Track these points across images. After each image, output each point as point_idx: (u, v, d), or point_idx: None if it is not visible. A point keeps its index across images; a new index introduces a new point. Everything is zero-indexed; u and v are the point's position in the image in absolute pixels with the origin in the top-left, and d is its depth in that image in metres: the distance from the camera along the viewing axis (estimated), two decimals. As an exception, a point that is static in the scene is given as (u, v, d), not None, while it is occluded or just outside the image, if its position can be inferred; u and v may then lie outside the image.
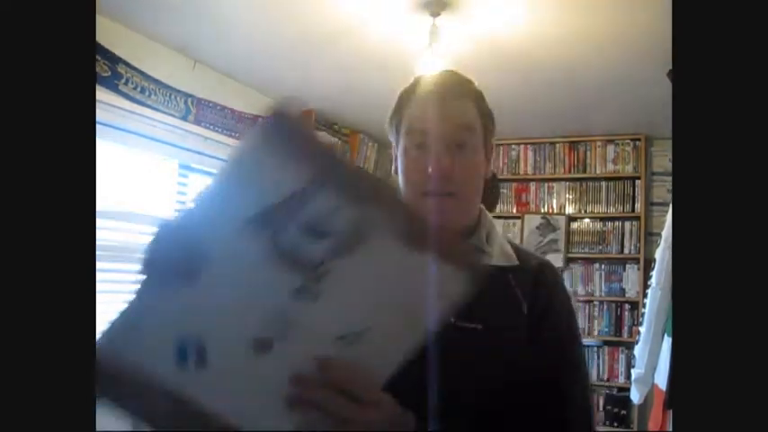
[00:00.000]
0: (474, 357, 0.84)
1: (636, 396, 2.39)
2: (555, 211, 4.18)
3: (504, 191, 4.32)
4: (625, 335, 3.86)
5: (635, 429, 3.76)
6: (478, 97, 0.96)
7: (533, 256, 1.01)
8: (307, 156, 0.58)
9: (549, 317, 0.91)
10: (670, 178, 3.96)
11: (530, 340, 0.88)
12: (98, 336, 0.64)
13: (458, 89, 0.95)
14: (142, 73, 2.72)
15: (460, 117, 0.92)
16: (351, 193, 0.58)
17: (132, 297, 0.63)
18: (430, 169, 0.88)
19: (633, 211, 3.96)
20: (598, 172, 4.09)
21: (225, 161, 0.61)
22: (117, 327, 0.63)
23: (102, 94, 2.52)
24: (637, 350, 2.33)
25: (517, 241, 4.17)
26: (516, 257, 0.95)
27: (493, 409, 0.82)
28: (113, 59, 2.58)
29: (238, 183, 0.59)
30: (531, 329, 0.89)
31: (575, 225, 4.11)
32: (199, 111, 3.06)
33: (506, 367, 0.86)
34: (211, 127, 3.16)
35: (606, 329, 3.94)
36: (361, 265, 0.60)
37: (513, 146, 4.32)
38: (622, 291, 3.93)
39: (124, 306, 0.63)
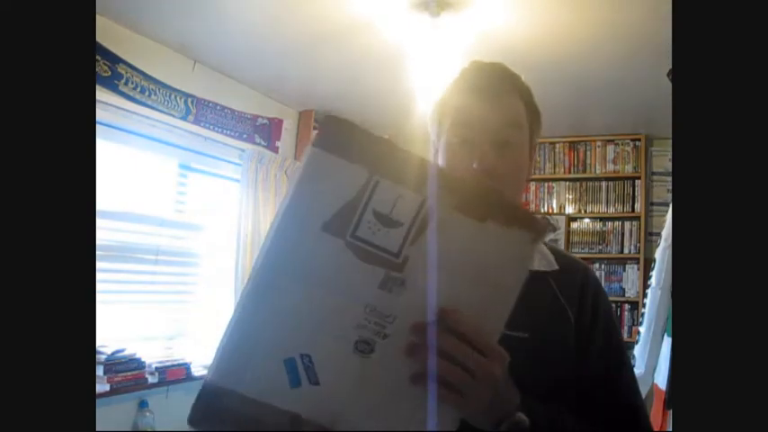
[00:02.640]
0: (523, 365, 0.76)
1: (636, 396, 2.38)
2: (555, 211, 4.18)
3: (504, 191, 4.32)
4: (625, 335, 3.86)
5: (635, 429, 3.76)
6: (526, 93, 0.93)
7: (574, 260, 0.98)
8: (363, 152, 0.62)
9: (599, 324, 0.89)
10: (670, 178, 3.96)
11: (580, 348, 0.87)
12: (207, 371, 0.62)
13: (506, 84, 0.92)
14: (142, 73, 2.72)
15: (508, 114, 0.89)
16: (409, 178, 0.60)
17: (235, 320, 0.61)
18: (475, 165, 0.85)
19: (633, 210, 3.96)
20: (598, 172, 4.09)
21: (300, 173, 0.61)
22: (227, 358, 0.62)
23: (102, 94, 2.52)
24: (637, 350, 2.33)
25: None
26: (556, 262, 0.93)
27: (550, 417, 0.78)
28: (113, 59, 2.58)
29: (309, 193, 0.61)
30: (581, 337, 0.87)
31: (575, 225, 4.11)
32: (199, 111, 3.06)
33: (555, 375, 0.84)
34: (211, 127, 3.16)
35: (606, 329, 3.94)
36: (436, 245, 0.61)
37: (513, 146, 4.32)
38: (622, 291, 3.93)
39: (229, 333, 0.61)
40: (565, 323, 0.88)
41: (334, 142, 0.61)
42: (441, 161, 0.91)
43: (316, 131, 0.56)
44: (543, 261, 0.93)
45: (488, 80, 0.92)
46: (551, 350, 0.85)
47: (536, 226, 0.63)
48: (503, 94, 0.90)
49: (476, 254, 0.62)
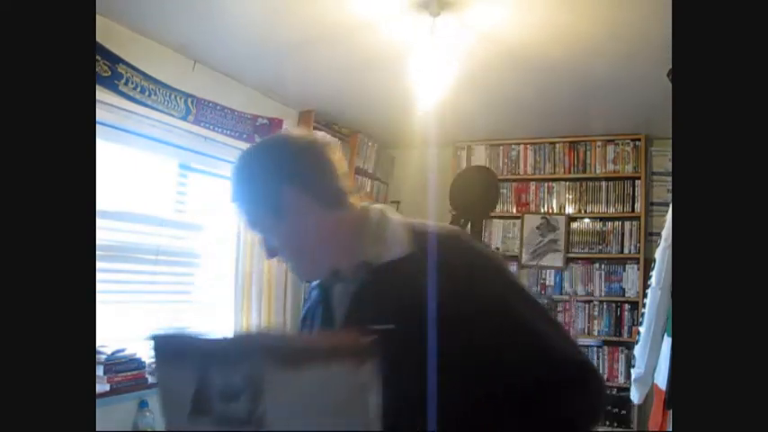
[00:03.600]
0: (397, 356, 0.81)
1: (636, 396, 2.39)
2: (555, 211, 4.18)
3: (504, 191, 4.32)
4: (625, 335, 3.86)
5: (635, 429, 3.76)
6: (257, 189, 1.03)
7: (434, 234, 0.98)
8: (192, 357, 0.77)
9: (477, 285, 0.93)
10: (670, 178, 3.96)
11: (469, 315, 0.90)
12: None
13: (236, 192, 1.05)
14: (142, 73, 2.72)
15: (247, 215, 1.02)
16: (236, 356, 0.74)
17: None
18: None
19: (633, 210, 3.96)
20: (598, 172, 4.09)
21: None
22: None
23: (102, 94, 2.52)
24: (636, 350, 2.33)
25: (517, 242, 4.18)
26: (410, 246, 0.96)
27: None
28: (113, 59, 2.58)
29: (168, 398, 0.79)
30: (464, 302, 0.90)
31: (575, 225, 4.11)
32: (199, 111, 3.06)
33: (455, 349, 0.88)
34: (211, 127, 3.16)
35: (606, 329, 3.93)
36: (280, 399, 0.71)
37: (513, 146, 4.32)
38: (622, 291, 3.93)
39: None
40: (421, 310, 0.89)
41: (167, 358, 0.78)
42: None
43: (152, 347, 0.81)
44: (396, 247, 0.97)
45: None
46: (417, 338, 0.88)
47: (358, 349, 0.70)
48: (237, 203, 1.05)
49: (314, 396, 0.71)
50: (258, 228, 1.02)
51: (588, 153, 4.14)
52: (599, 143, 4.10)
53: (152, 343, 0.80)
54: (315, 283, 1.10)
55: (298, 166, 1.00)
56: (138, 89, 2.71)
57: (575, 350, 0.99)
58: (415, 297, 0.90)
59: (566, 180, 4.17)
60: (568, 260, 4.06)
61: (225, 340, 0.78)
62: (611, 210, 4.03)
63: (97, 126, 2.47)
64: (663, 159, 3.98)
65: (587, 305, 3.99)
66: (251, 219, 1.02)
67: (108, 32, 2.54)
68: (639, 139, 3.97)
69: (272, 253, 1.04)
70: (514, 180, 4.30)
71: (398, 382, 0.74)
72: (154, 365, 0.79)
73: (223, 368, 0.74)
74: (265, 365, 0.71)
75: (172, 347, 0.78)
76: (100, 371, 2.45)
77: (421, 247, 0.95)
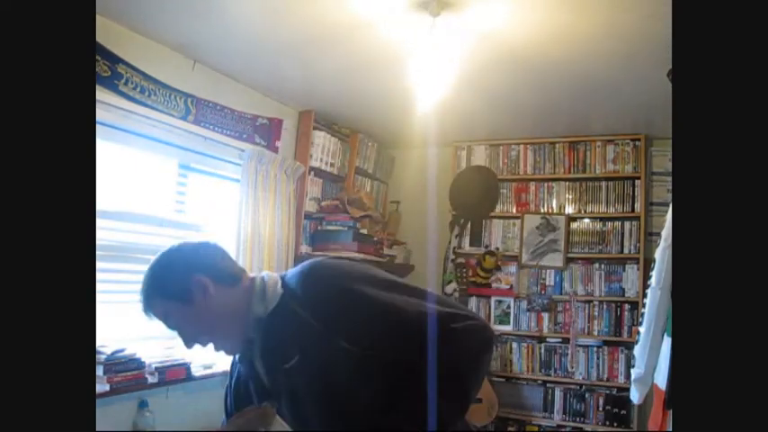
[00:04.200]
0: (317, 383, 1.12)
1: (635, 396, 2.39)
2: (555, 211, 4.18)
3: (504, 191, 4.32)
4: (625, 335, 3.86)
5: (634, 429, 3.76)
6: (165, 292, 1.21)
7: (295, 275, 1.22)
8: None
9: (340, 321, 1.12)
10: (670, 178, 3.96)
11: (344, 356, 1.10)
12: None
13: (152, 299, 1.23)
14: (142, 73, 2.72)
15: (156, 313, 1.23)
16: None
17: None
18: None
19: (633, 210, 3.96)
20: (598, 172, 4.09)
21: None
22: None
23: (102, 94, 2.52)
24: (636, 350, 2.32)
25: (517, 242, 4.18)
26: (274, 301, 1.19)
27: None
28: (113, 59, 2.58)
29: None
30: (336, 335, 1.10)
31: (574, 225, 4.11)
32: (199, 111, 3.06)
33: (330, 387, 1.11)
34: (211, 127, 3.16)
35: (606, 329, 3.94)
36: None
37: (513, 146, 4.32)
38: (622, 291, 3.93)
39: None
40: (312, 335, 1.12)
41: None
42: None
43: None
44: (272, 300, 1.19)
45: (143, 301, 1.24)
46: (326, 374, 1.12)
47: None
48: (152, 307, 1.22)
49: None
50: (172, 320, 1.21)
51: (588, 153, 4.14)
52: (599, 143, 4.10)
53: None
54: (236, 358, 1.31)
55: (202, 258, 1.24)
56: (138, 89, 2.71)
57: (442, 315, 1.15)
58: (298, 329, 1.13)
59: (565, 180, 4.17)
60: (568, 260, 4.06)
61: None
62: (611, 210, 4.03)
63: (97, 126, 2.47)
64: (663, 159, 3.98)
65: (587, 305, 4.00)
66: (165, 314, 1.21)
67: (108, 32, 2.54)
68: (639, 139, 3.97)
69: (190, 342, 1.23)
70: (514, 180, 4.30)
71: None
72: None
73: None
74: None
75: None
76: (100, 371, 2.45)
77: (288, 291, 1.19)
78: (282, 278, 1.24)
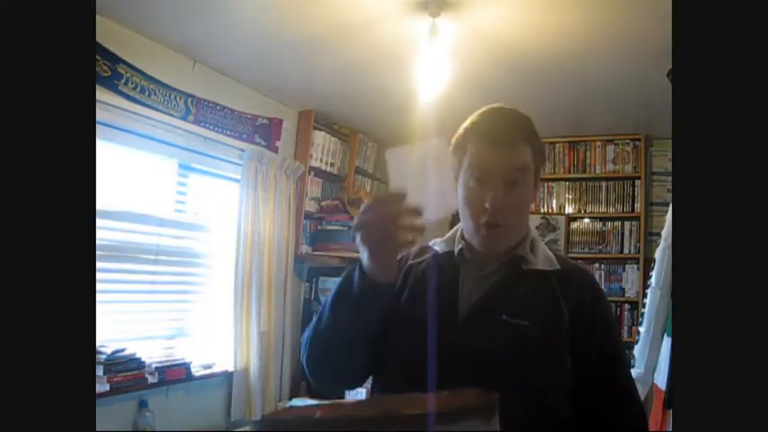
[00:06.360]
0: (523, 350, 0.98)
1: (636, 396, 2.38)
2: (555, 210, 4.18)
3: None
4: (625, 335, 3.86)
5: (635, 429, 3.75)
6: (534, 138, 1.07)
7: (577, 266, 1.14)
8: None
9: (596, 331, 1.03)
10: (670, 178, 3.95)
11: (572, 347, 1.01)
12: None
13: (517, 133, 1.05)
14: (142, 73, 2.72)
15: (517, 159, 1.04)
16: None
17: None
18: (486, 204, 1.02)
19: (633, 210, 3.96)
20: (598, 172, 4.09)
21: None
22: None
23: (102, 94, 2.52)
24: (636, 350, 2.32)
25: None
26: (558, 264, 1.09)
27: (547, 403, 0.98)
28: (113, 59, 2.58)
29: None
30: (574, 337, 1.01)
31: (574, 225, 4.11)
32: (199, 111, 3.06)
33: (546, 365, 0.99)
34: (211, 127, 3.16)
35: (606, 329, 3.94)
36: None
37: (513, 146, 4.32)
38: (622, 291, 3.93)
39: None
40: (559, 319, 1.02)
41: None
42: (459, 195, 1.06)
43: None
44: (546, 261, 1.09)
45: (502, 129, 1.05)
46: (546, 341, 1.00)
47: (486, 407, 0.70)
48: (514, 142, 1.04)
49: None
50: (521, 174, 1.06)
51: (588, 153, 4.14)
52: (599, 143, 4.10)
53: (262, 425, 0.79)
54: (438, 252, 1.14)
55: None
56: (138, 89, 2.71)
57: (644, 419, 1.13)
58: (552, 307, 1.03)
59: (565, 180, 4.17)
60: (568, 260, 4.06)
61: (341, 421, 0.72)
62: (611, 210, 4.03)
63: (97, 126, 2.47)
64: (663, 159, 3.98)
65: (587, 305, 3.99)
66: (524, 165, 1.06)
67: (108, 32, 2.54)
68: (639, 139, 3.97)
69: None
70: (514, 180, 4.30)
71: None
72: None
73: None
74: None
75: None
76: (100, 371, 2.45)
77: (564, 269, 1.08)
78: (557, 254, 1.15)
